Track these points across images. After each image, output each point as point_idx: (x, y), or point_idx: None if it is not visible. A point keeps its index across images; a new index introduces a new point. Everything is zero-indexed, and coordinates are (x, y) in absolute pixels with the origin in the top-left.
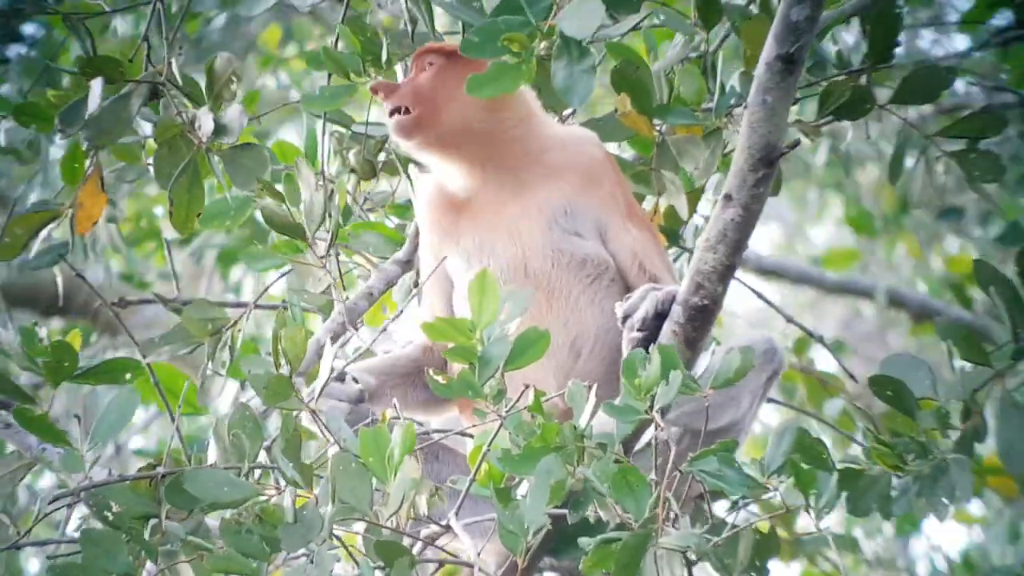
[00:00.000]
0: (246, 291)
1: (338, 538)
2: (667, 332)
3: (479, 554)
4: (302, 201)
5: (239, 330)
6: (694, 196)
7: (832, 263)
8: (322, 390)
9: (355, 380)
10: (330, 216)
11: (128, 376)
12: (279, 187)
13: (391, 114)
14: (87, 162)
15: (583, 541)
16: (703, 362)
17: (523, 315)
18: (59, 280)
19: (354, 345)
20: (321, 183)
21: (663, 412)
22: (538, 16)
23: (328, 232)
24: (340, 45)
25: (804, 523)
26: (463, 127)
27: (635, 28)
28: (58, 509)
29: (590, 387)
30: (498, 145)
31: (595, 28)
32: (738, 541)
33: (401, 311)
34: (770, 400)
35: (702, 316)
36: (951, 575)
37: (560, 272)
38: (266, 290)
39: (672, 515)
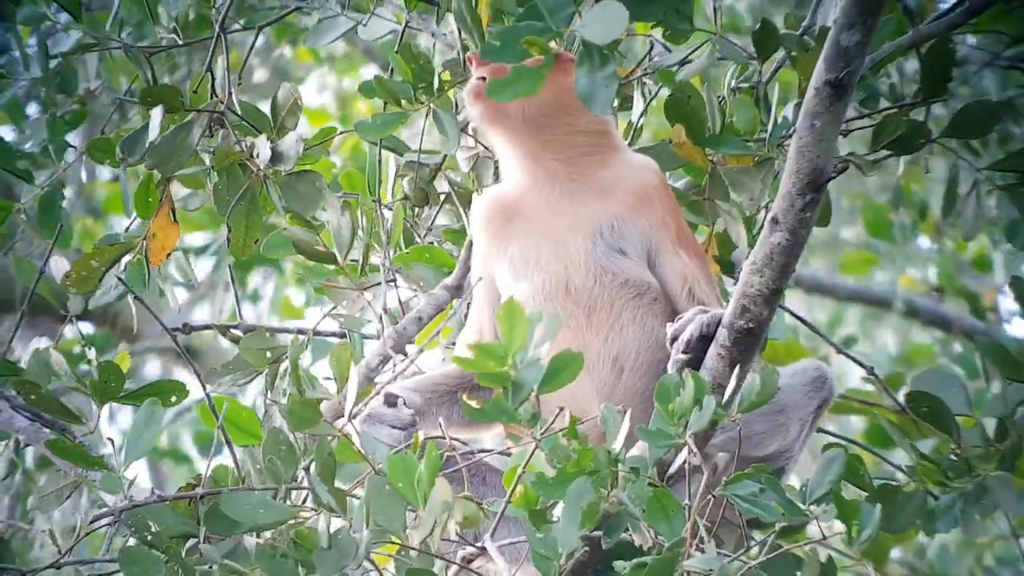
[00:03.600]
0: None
1: (372, 562)
2: (713, 355)
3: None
4: (327, 224)
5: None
6: (747, 225)
7: (850, 269)
8: (351, 412)
9: (406, 404)
10: (360, 240)
11: (173, 399)
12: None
13: None
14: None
15: (619, 565)
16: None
17: (558, 335)
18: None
19: (399, 368)
20: (361, 208)
21: (696, 438)
22: (559, 23)
23: (370, 256)
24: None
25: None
26: (528, 112)
27: (687, 61)
28: (99, 529)
29: (626, 410)
30: (557, 145)
31: (618, 34)
32: (794, 569)
33: (441, 328)
34: (820, 430)
35: (748, 339)
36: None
37: (602, 290)
38: (325, 316)
39: (701, 538)
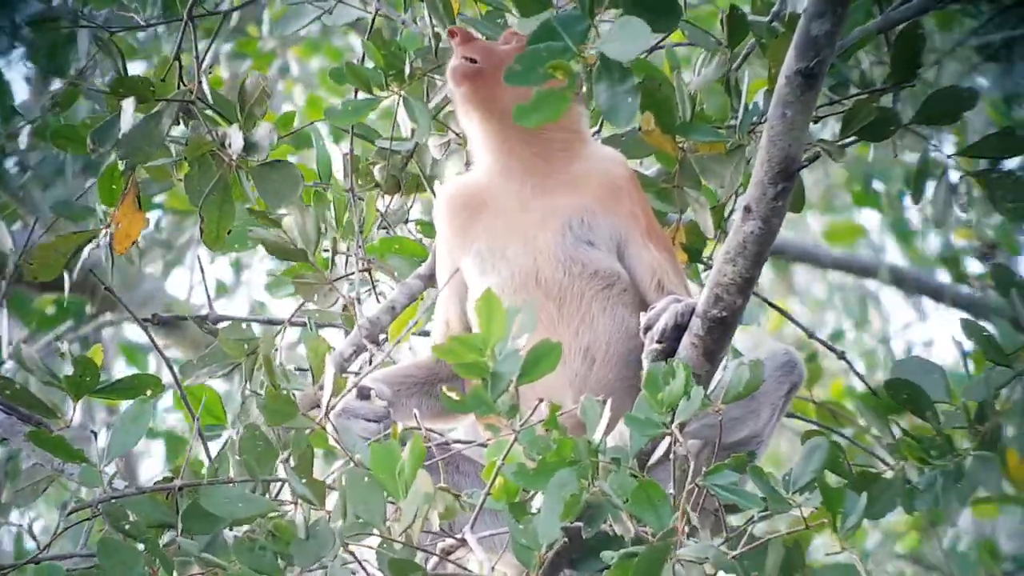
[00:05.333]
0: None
1: (352, 554)
2: (686, 344)
3: (493, 568)
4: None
5: (275, 348)
6: (718, 212)
7: (837, 238)
8: (329, 404)
9: (379, 398)
10: (325, 231)
11: (149, 392)
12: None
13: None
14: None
15: (606, 555)
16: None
17: (533, 328)
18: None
19: (376, 360)
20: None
21: (682, 427)
22: (576, 40)
23: (341, 247)
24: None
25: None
26: (517, 98)
27: (659, 46)
28: (78, 523)
29: (605, 400)
30: (534, 136)
31: (641, 51)
32: (766, 555)
33: (416, 320)
34: (788, 415)
35: (721, 328)
36: (979, 559)
37: (572, 280)
38: (300, 307)
39: (690, 527)
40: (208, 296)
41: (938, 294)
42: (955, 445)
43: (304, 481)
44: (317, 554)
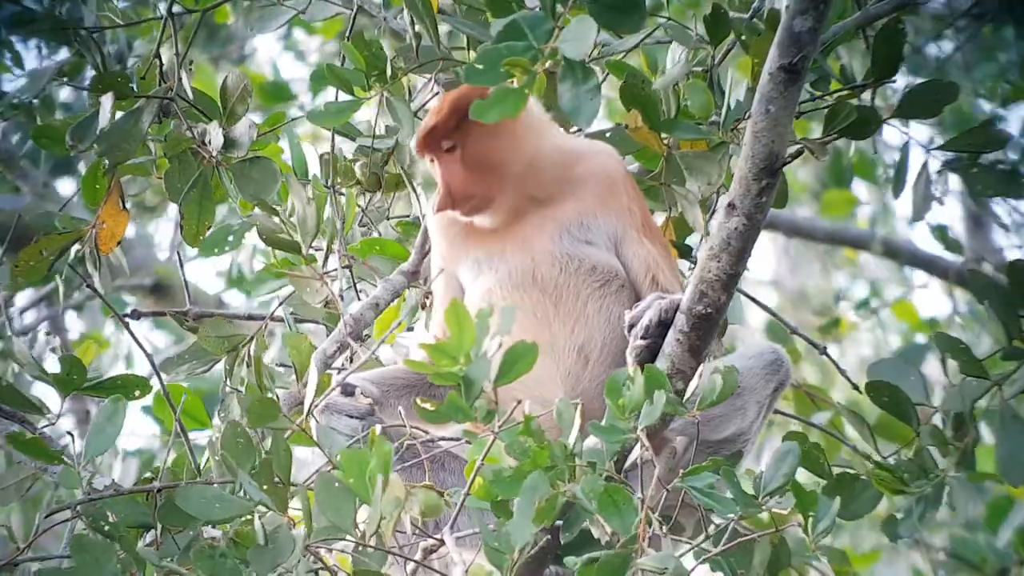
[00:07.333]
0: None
1: (321, 559)
2: (671, 340)
3: (467, 569)
4: (294, 215)
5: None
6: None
7: (831, 210)
8: (312, 405)
9: (365, 396)
10: (324, 228)
11: (137, 393)
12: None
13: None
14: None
15: (569, 560)
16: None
17: (526, 325)
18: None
19: (358, 357)
20: (313, 196)
21: (651, 426)
22: (540, 39)
23: (334, 244)
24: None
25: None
26: (504, 182)
27: (638, 45)
28: (57, 524)
29: (579, 403)
30: (526, 176)
31: (591, 47)
32: (752, 551)
33: (400, 321)
34: (781, 414)
35: (706, 324)
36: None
37: (568, 278)
38: (282, 303)
39: (654, 534)
40: (187, 293)
41: (927, 265)
42: (929, 469)
43: (265, 488)
44: (275, 561)
